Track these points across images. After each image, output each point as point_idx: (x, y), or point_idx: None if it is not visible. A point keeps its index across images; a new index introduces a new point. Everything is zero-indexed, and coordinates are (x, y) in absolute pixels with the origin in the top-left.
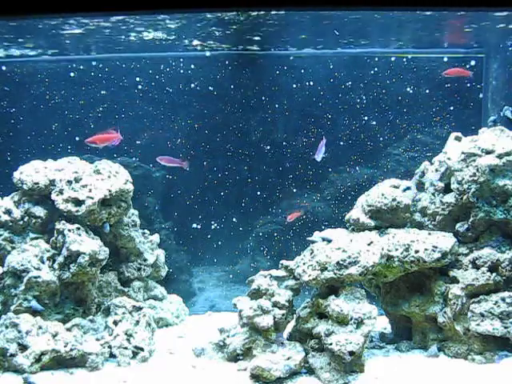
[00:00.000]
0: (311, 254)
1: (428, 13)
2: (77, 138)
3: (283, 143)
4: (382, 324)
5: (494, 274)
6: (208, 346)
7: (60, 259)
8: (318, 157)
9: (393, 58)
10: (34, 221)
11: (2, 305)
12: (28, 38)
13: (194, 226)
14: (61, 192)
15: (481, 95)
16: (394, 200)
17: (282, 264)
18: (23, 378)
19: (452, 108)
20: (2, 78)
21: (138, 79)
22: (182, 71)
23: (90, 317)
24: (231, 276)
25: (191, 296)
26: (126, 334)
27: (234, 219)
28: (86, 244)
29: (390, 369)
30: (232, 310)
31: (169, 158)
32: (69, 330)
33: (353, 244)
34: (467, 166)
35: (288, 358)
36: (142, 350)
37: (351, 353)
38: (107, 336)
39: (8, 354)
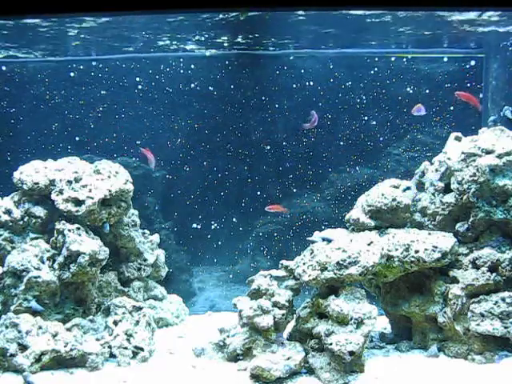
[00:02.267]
0: (311, 254)
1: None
2: (77, 138)
3: (283, 143)
4: (382, 324)
5: (494, 274)
6: (208, 346)
7: (60, 259)
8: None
9: (393, 58)
10: (34, 221)
11: (2, 305)
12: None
13: (194, 226)
14: (61, 192)
15: (481, 95)
16: (393, 200)
17: (281, 264)
18: (23, 376)
19: (452, 108)
20: (2, 77)
21: (137, 79)
22: (181, 71)
23: (90, 317)
24: (231, 276)
25: (191, 296)
26: (126, 334)
27: (234, 219)
28: (86, 244)
29: (390, 369)
30: (232, 309)
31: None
32: (69, 329)
33: (353, 244)
34: (467, 166)
35: (288, 358)
36: (142, 350)
37: (351, 353)
38: (107, 336)
39: (8, 354)
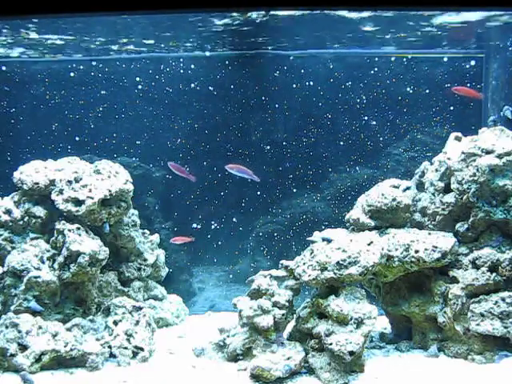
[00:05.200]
0: (311, 254)
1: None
2: (77, 138)
3: (283, 143)
4: (382, 324)
5: (494, 274)
6: (208, 346)
7: (60, 259)
8: None
9: (393, 58)
10: (33, 221)
11: (2, 305)
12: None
13: (194, 225)
14: (61, 192)
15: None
16: (394, 200)
17: (281, 264)
18: (20, 375)
19: (452, 108)
20: (2, 77)
21: (137, 79)
22: (181, 71)
23: (90, 317)
24: (231, 276)
25: (191, 296)
26: (126, 333)
27: (234, 219)
28: (86, 244)
29: (390, 369)
30: (232, 309)
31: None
32: (69, 330)
33: (353, 244)
34: (467, 166)
35: (288, 358)
36: (142, 349)
37: (351, 353)
38: (107, 336)
39: (8, 354)
